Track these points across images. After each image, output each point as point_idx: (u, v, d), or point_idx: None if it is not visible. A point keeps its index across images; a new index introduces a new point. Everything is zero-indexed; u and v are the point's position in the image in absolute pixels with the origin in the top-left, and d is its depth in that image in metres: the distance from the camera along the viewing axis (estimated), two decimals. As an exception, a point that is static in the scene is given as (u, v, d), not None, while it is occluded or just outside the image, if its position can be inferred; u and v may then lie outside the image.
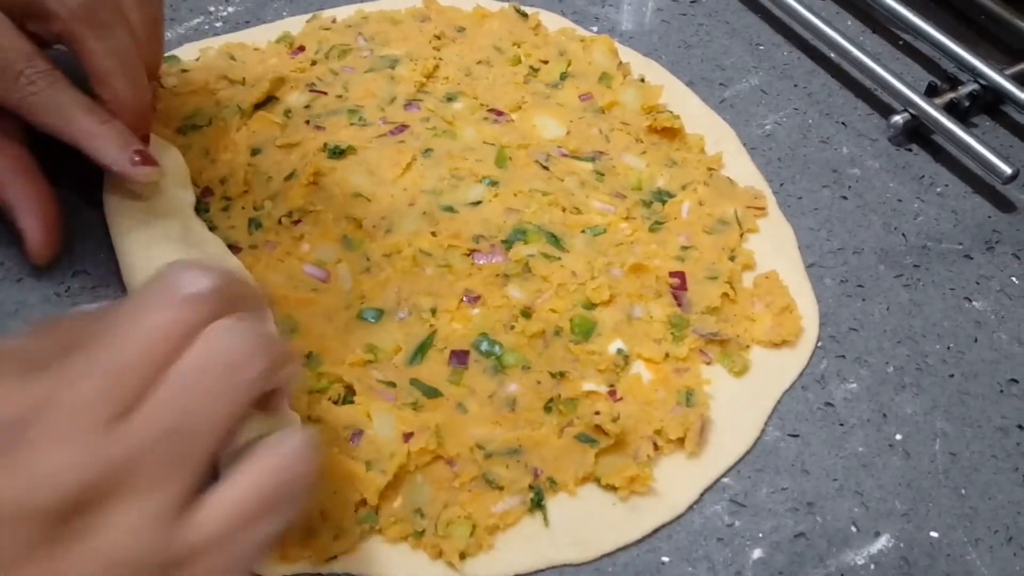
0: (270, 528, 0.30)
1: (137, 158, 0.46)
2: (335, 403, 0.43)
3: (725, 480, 0.43)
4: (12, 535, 0.26)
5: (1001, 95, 0.59)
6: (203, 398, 0.30)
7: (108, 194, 0.49)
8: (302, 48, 0.60)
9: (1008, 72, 0.59)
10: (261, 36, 0.61)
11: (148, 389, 0.29)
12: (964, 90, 0.59)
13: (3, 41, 0.43)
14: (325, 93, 0.57)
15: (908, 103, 0.57)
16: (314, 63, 0.59)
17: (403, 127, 0.55)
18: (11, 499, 0.26)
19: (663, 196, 0.53)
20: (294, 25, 0.62)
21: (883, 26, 0.66)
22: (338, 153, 0.53)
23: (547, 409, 0.44)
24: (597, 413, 0.42)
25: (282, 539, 0.37)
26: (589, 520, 0.41)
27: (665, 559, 0.40)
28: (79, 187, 0.51)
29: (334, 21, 0.62)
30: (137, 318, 0.30)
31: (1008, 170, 0.53)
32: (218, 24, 0.63)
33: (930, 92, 0.59)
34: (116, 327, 0.30)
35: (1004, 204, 0.55)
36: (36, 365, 0.29)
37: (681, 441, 0.43)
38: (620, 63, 0.60)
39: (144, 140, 0.48)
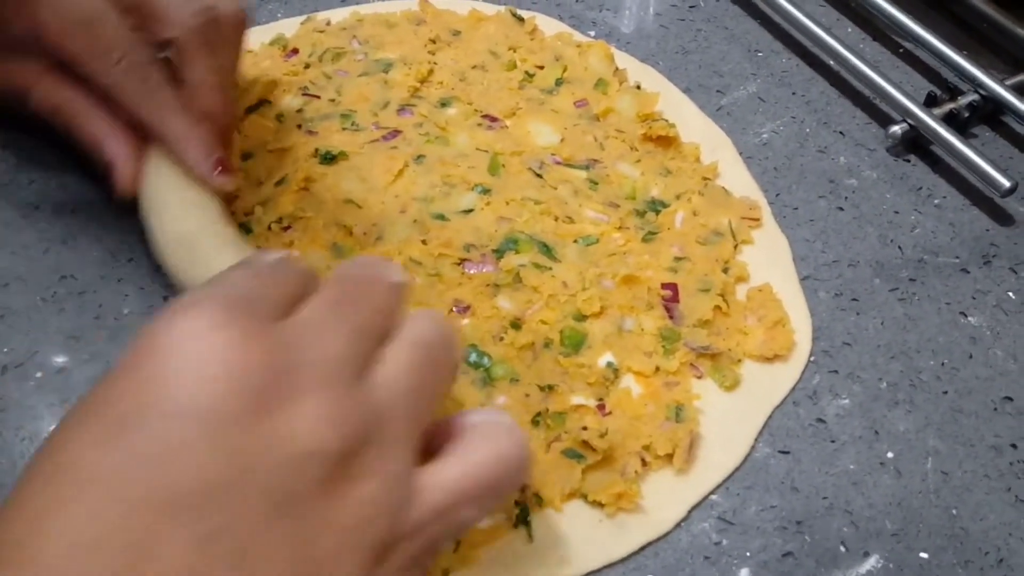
0: (479, 513, 0.32)
1: (219, 167, 0.47)
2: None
3: (713, 497, 0.42)
4: (302, 471, 0.27)
5: (1001, 106, 0.58)
6: (431, 366, 0.32)
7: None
8: (296, 51, 0.59)
9: (1009, 82, 0.59)
10: (254, 38, 0.60)
11: (378, 356, 0.31)
12: (964, 100, 0.58)
13: (108, 25, 0.45)
14: (318, 97, 0.57)
15: (906, 113, 0.56)
16: (307, 66, 0.58)
17: (396, 132, 0.55)
18: (299, 436, 0.27)
19: (657, 206, 0.53)
20: (288, 27, 0.62)
21: (883, 33, 0.66)
22: (330, 159, 0.53)
23: (535, 423, 0.43)
24: (585, 428, 0.42)
25: None
26: (574, 537, 0.40)
27: (651, 577, 0.40)
28: (69, 192, 0.50)
29: (328, 23, 0.62)
30: (364, 288, 0.32)
31: (1006, 183, 0.52)
32: (212, 25, 0.62)
33: (929, 102, 0.58)
34: (347, 286, 0.32)
35: (1002, 217, 0.55)
36: (274, 314, 0.30)
37: (669, 457, 0.42)
38: (616, 69, 0.60)
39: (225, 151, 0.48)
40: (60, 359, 0.44)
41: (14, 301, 0.46)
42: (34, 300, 0.46)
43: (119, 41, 0.46)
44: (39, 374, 0.44)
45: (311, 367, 0.28)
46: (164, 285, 0.47)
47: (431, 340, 0.33)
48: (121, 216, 0.49)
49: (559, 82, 0.59)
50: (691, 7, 0.67)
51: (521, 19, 0.62)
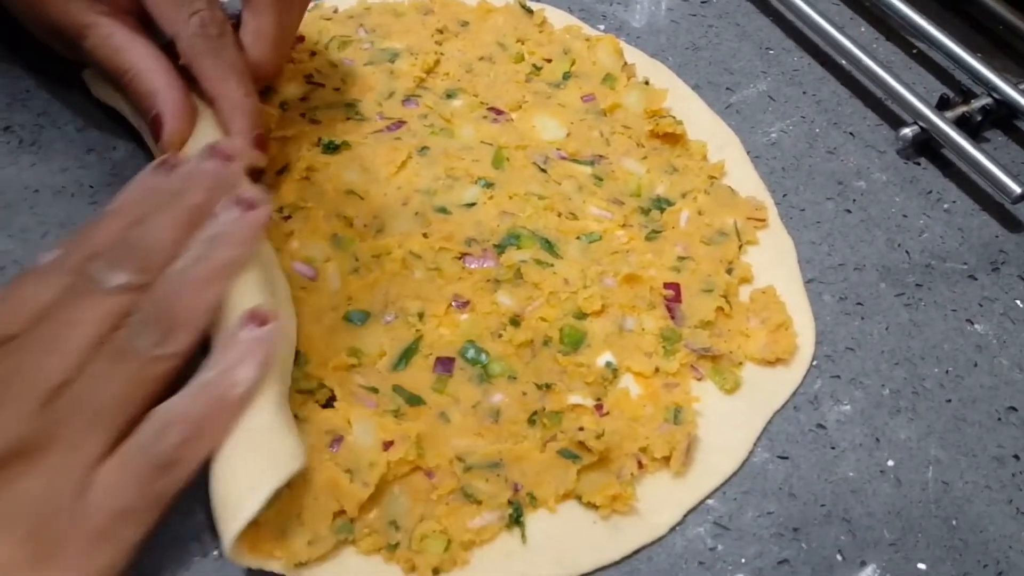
0: (144, 510, 0.35)
1: (257, 143, 0.47)
2: (321, 406, 0.42)
3: (710, 502, 0.42)
4: None
5: (1015, 110, 0.57)
6: (115, 381, 0.36)
7: None
8: (302, 38, 0.59)
9: (1023, 86, 0.58)
10: (261, 24, 0.60)
11: (80, 367, 0.36)
12: (977, 104, 0.57)
13: None
14: (323, 85, 0.56)
15: (918, 115, 0.56)
16: (313, 54, 0.58)
17: (400, 123, 0.54)
18: None
19: (662, 204, 0.52)
20: (295, 14, 0.61)
21: (897, 33, 0.65)
22: (333, 148, 0.52)
23: (531, 422, 0.43)
24: (581, 429, 0.41)
25: (256, 530, 0.37)
26: (568, 538, 0.40)
27: (644, 582, 0.39)
28: (68, 176, 0.50)
29: (336, 11, 0.61)
30: (70, 307, 0.37)
31: (1018, 189, 0.52)
32: (218, 10, 0.62)
33: (941, 105, 0.57)
34: (57, 310, 0.37)
35: (1012, 223, 0.54)
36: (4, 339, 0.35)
37: (667, 460, 0.42)
38: (625, 64, 0.59)
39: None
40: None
41: (11, 285, 0.46)
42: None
43: None
44: (33, 360, 0.43)
45: (10, 383, 0.34)
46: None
47: (138, 347, 0.37)
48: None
49: (567, 76, 0.58)
50: (703, 2, 0.66)
51: (530, 11, 0.62)
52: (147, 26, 0.49)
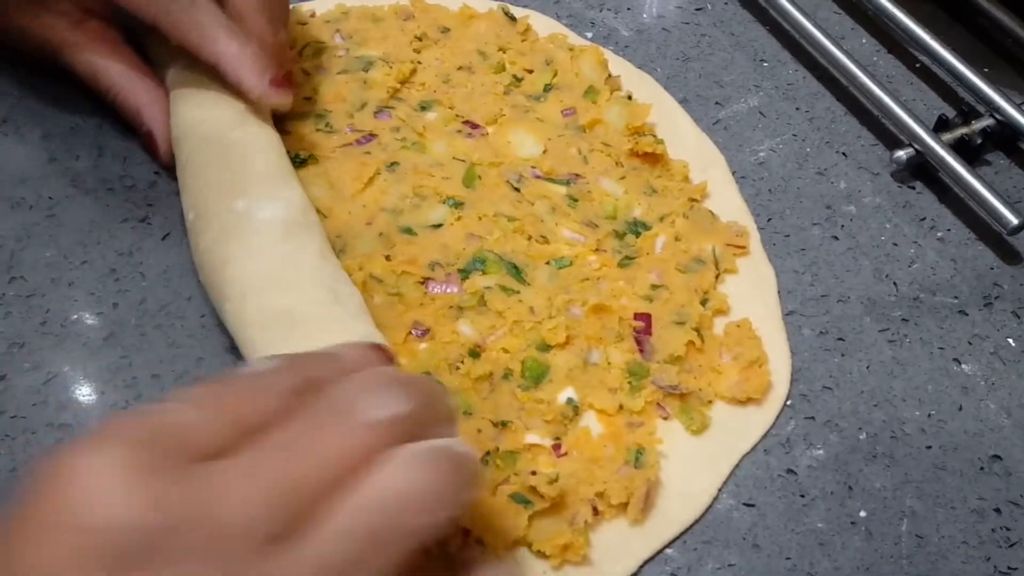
0: None
1: (275, 84, 0.47)
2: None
3: (669, 551, 0.40)
4: None
5: (1018, 132, 0.54)
6: (371, 542, 0.27)
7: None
8: (276, 43, 0.57)
9: (1028, 107, 0.55)
10: (235, 28, 0.58)
11: (313, 516, 0.27)
12: (978, 125, 0.54)
13: None
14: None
15: (913, 137, 0.53)
16: (285, 61, 0.56)
17: (371, 136, 0.52)
18: None
19: (638, 227, 0.50)
20: (271, 17, 0.59)
21: (900, 47, 0.62)
22: (299, 162, 0.50)
23: (484, 462, 0.41)
24: (534, 473, 0.40)
25: None
26: (516, 589, 0.38)
27: (593, 637, 0.37)
28: (27, 188, 0.49)
29: (312, 15, 0.59)
30: (314, 436, 0.28)
31: (1015, 220, 0.49)
32: (193, 12, 0.60)
33: (940, 126, 0.54)
34: (291, 439, 0.28)
35: (1009, 255, 0.51)
36: (204, 452, 0.26)
37: (624, 506, 0.40)
38: (609, 76, 0.57)
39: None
40: (1, 367, 0.43)
41: (-42, 303, 0.45)
42: (-21, 302, 0.45)
43: None
44: (-23, 383, 0.42)
45: (204, 528, 0.25)
46: (116, 291, 0.46)
47: (397, 503, 0.28)
48: (77, 215, 0.48)
49: (548, 88, 0.56)
50: (697, 9, 0.64)
51: (513, 18, 0.59)
52: (124, 30, 0.49)
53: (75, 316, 0.45)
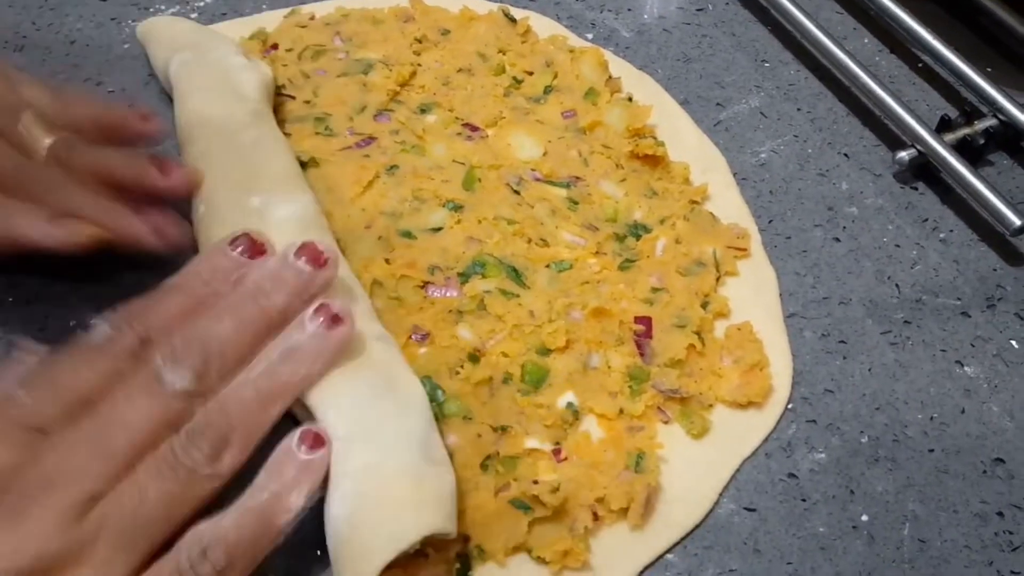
0: None
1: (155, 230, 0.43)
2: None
3: (669, 556, 0.40)
4: None
5: (1021, 132, 0.54)
6: (156, 499, 0.33)
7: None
8: (275, 46, 0.57)
9: (1031, 107, 0.54)
10: (235, 31, 0.58)
11: (123, 473, 0.33)
12: (980, 125, 0.54)
13: None
14: (293, 97, 0.54)
15: (916, 138, 0.53)
16: (285, 64, 0.56)
17: (370, 139, 0.52)
18: None
19: (638, 230, 0.50)
20: (271, 20, 0.59)
21: (903, 46, 0.62)
22: (299, 166, 0.50)
23: (484, 467, 0.41)
24: (536, 483, 0.39)
25: None
26: (515, 595, 0.38)
27: (593, 643, 0.37)
28: None
29: (312, 18, 0.59)
30: (123, 403, 0.34)
31: (1017, 221, 0.49)
32: (193, 15, 0.60)
33: (942, 127, 0.54)
34: (109, 405, 0.34)
35: (1013, 256, 0.51)
36: (35, 425, 0.33)
37: (624, 512, 0.40)
38: (609, 78, 0.56)
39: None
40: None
41: (-43, 309, 0.45)
42: (-20, 307, 0.45)
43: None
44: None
45: (37, 484, 0.32)
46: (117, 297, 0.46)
47: (187, 464, 0.34)
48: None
49: (548, 90, 0.56)
50: (699, 9, 0.63)
51: (514, 20, 0.59)
52: None
53: (73, 321, 0.45)
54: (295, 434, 0.36)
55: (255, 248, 0.39)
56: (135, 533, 0.33)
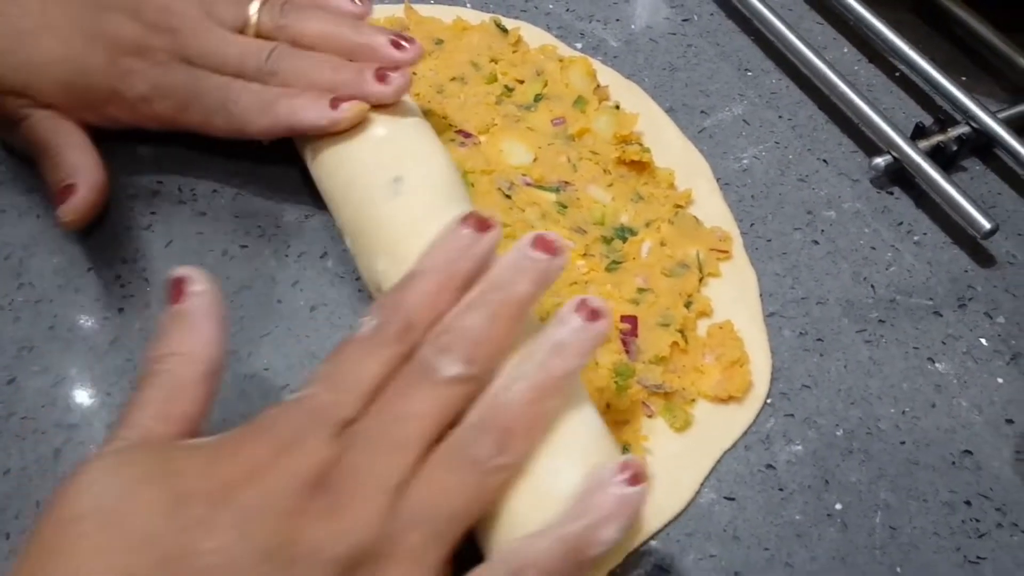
0: None
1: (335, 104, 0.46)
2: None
3: (652, 543, 0.42)
4: (313, 569, 0.31)
5: (993, 139, 0.56)
6: (457, 491, 0.34)
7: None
8: (274, 56, 0.59)
9: (1002, 115, 0.57)
10: (235, 40, 0.60)
11: (419, 465, 0.34)
12: (953, 132, 0.56)
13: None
14: (292, 105, 0.56)
15: (891, 145, 0.55)
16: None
17: (367, 146, 0.54)
18: (316, 544, 0.31)
19: (625, 233, 0.52)
20: (270, 30, 0.61)
21: (881, 56, 0.64)
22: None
23: (476, 459, 0.43)
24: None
25: None
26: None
27: (580, 624, 0.39)
28: (33, 198, 0.50)
29: (310, 28, 0.61)
30: (406, 393, 0.35)
31: (987, 225, 0.51)
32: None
33: (917, 134, 0.56)
34: (395, 395, 0.35)
35: (983, 258, 0.53)
36: (339, 420, 0.34)
37: (610, 501, 0.42)
38: (598, 86, 0.59)
39: None
40: (10, 371, 0.44)
41: (-29, 307, 0.47)
42: (-10, 307, 0.47)
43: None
44: (-12, 385, 0.44)
45: (353, 477, 0.33)
46: (121, 297, 0.47)
47: (477, 456, 0.35)
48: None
49: (538, 98, 0.58)
50: (684, 20, 0.66)
51: (505, 30, 0.61)
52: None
53: (82, 321, 0.47)
54: (612, 466, 0.35)
55: (483, 223, 0.39)
56: (442, 525, 0.33)
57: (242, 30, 0.49)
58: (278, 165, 0.51)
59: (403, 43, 0.48)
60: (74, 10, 0.47)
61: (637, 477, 0.35)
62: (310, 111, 0.46)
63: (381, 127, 0.47)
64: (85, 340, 0.46)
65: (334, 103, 0.46)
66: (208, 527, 0.30)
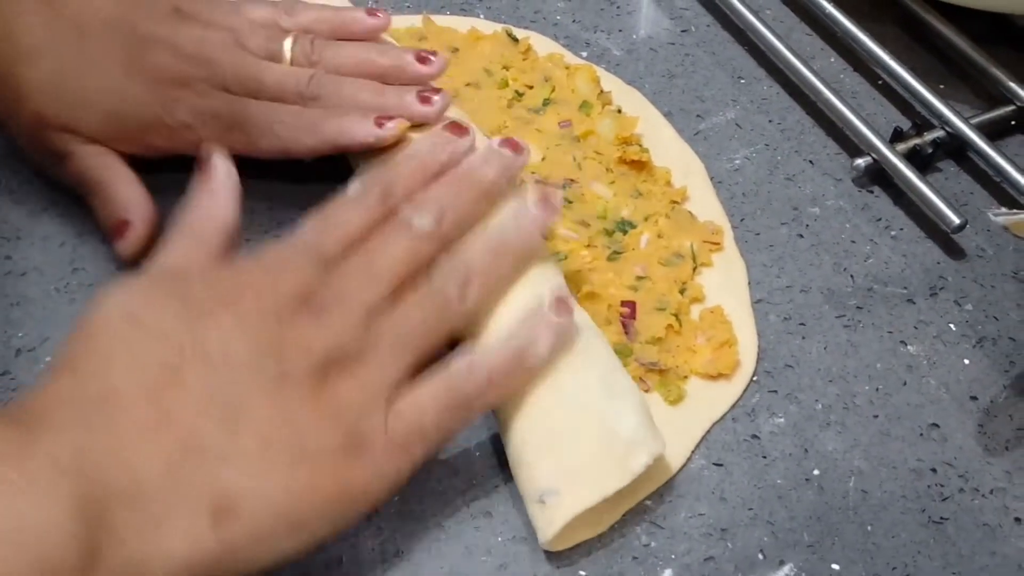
0: (447, 424, 0.42)
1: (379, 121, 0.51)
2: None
3: (647, 502, 0.46)
4: (295, 362, 0.39)
5: (965, 143, 0.61)
6: (420, 320, 0.42)
7: None
8: (302, 62, 0.63)
9: (975, 121, 0.61)
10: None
11: (389, 299, 0.42)
12: (929, 136, 0.61)
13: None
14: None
15: (870, 147, 0.60)
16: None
17: (389, 145, 0.59)
18: (303, 340, 0.39)
19: (625, 226, 0.56)
20: (297, 38, 0.66)
21: (865, 65, 0.68)
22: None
23: (489, 426, 0.47)
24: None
25: None
26: (516, 532, 0.45)
27: (582, 572, 0.44)
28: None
29: (336, 37, 0.66)
30: (383, 241, 0.43)
31: (956, 220, 0.55)
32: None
33: (895, 137, 0.61)
34: (374, 242, 0.43)
35: (955, 251, 0.58)
36: (322, 256, 0.42)
37: (609, 464, 0.46)
38: (601, 92, 0.63)
39: None
40: (68, 345, 0.49)
41: (31, 290, 0.51)
42: (48, 289, 0.51)
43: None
44: (47, 358, 0.49)
45: (339, 296, 0.41)
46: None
47: (440, 294, 0.43)
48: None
49: (546, 102, 0.62)
50: (683, 31, 0.70)
51: (516, 39, 0.66)
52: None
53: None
54: (544, 298, 0.44)
55: (461, 129, 0.49)
56: (407, 343, 0.41)
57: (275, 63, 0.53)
58: (306, 182, 0.55)
59: (429, 58, 0.53)
60: (113, 46, 0.50)
61: (564, 308, 0.44)
62: (358, 129, 0.50)
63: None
64: (134, 319, 0.51)
65: (379, 121, 0.50)
66: (214, 325, 0.38)
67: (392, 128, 0.50)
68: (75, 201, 0.54)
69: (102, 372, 0.36)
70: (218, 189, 0.44)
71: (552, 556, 0.44)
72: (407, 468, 0.40)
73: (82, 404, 0.35)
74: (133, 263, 0.50)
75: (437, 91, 0.52)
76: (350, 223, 0.43)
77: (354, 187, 0.45)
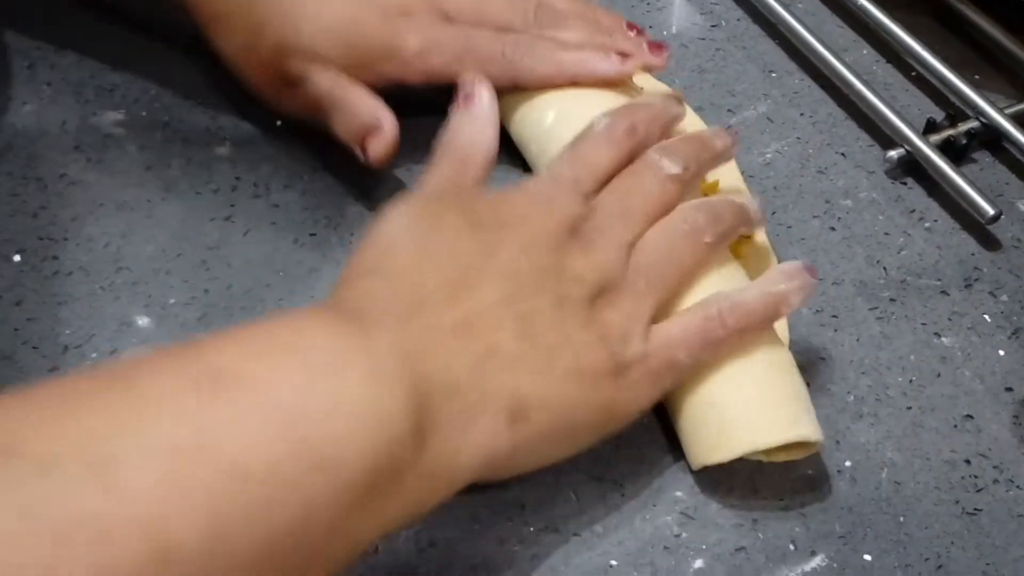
0: (690, 359, 0.44)
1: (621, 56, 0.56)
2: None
3: (678, 493, 0.47)
4: (575, 287, 0.42)
5: (1000, 133, 0.60)
6: (673, 254, 0.45)
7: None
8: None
9: (1009, 111, 0.61)
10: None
11: (642, 233, 0.45)
12: (963, 127, 0.60)
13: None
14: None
15: (903, 139, 0.59)
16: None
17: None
18: (576, 269, 0.42)
19: (658, 220, 0.57)
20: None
21: (898, 56, 0.68)
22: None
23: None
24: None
25: None
26: (548, 522, 0.45)
27: (613, 563, 0.44)
28: (129, 192, 0.57)
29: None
30: (636, 177, 0.47)
31: (991, 211, 0.55)
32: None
33: (928, 129, 0.61)
34: (627, 178, 0.47)
35: (990, 242, 0.57)
36: (584, 193, 0.45)
37: (641, 456, 0.47)
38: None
39: None
40: (112, 343, 0.51)
41: (77, 289, 0.53)
42: (94, 288, 0.53)
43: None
44: (94, 355, 0.50)
45: (601, 230, 0.44)
46: (207, 279, 0.54)
47: (693, 227, 0.46)
48: (172, 215, 0.56)
49: (578, 98, 0.63)
50: (713, 26, 0.70)
51: (548, 37, 0.67)
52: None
53: (173, 300, 0.53)
54: (798, 263, 0.46)
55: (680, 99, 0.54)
56: (660, 278, 0.44)
57: None
58: (343, 164, 0.57)
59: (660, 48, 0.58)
60: None
61: (816, 273, 0.46)
62: (599, 62, 0.54)
63: None
64: (176, 316, 0.52)
65: (621, 57, 0.54)
66: (498, 246, 0.41)
67: (632, 64, 0.54)
68: (119, 205, 0.56)
69: (413, 277, 0.39)
70: (481, 115, 0.46)
71: (583, 546, 0.44)
72: (657, 396, 0.44)
73: (399, 304, 0.38)
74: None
75: (662, 44, 0.57)
76: (602, 159, 0.46)
77: (599, 120, 0.48)
